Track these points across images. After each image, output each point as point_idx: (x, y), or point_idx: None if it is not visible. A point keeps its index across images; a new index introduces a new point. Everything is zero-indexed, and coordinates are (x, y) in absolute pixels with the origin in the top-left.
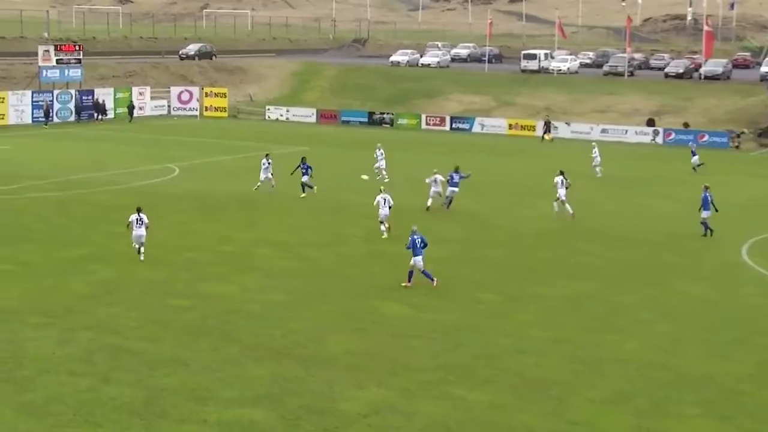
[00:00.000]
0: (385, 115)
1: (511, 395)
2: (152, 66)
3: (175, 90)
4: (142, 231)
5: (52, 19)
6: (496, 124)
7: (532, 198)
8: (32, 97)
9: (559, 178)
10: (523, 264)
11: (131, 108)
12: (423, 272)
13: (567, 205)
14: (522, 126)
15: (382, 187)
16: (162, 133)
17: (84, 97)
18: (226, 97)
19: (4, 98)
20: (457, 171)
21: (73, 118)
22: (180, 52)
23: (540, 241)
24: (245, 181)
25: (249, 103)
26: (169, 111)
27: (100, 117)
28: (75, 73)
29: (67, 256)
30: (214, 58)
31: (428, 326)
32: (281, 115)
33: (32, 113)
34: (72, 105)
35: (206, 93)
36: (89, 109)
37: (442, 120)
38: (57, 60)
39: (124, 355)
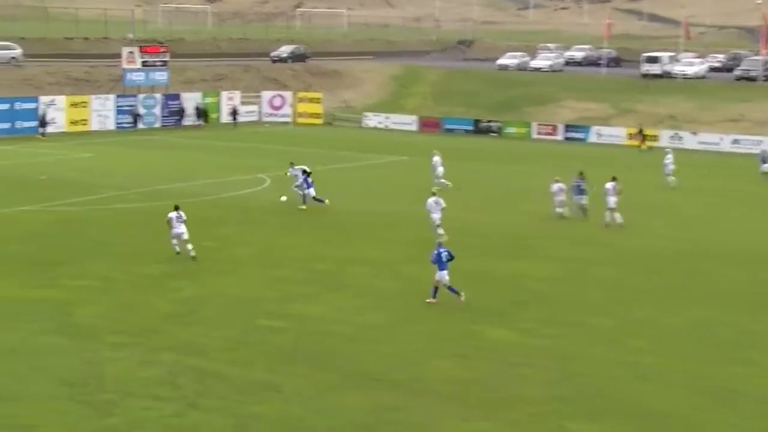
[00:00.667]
0: (491, 124)
1: (628, 430)
2: (242, 69)
3: (266, 95)
4: (183, 228)
5: (137, 18)
6: (614, 134)
7: (649, 215)
8: (116, 102)
9: (610, 185)
10: (638, 286)
11: (234, 113)
12: (449, 288)
13: (616, 214)
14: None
15: (434, 190)
16: (252, 140)
17: (170, 102)
18: (320, 102)
19: (86, 103)
20: (581, 177)
21: (159, 123)
22: (272, 54)
23: (657, 261)
24: (338, 194)
25: (345, 109)
26: (260, 117)
27: (202, 123)
28: (161, 76)
29: (149, 271)
30: (307, 60)
31: (536, 353)
32: (379, 123)
33: (116, 119)
34: (158, 110)
35: (299, 98)
36: (175, 115)
37: (554, 129)
38: (142, 62)
39: (211, 380)
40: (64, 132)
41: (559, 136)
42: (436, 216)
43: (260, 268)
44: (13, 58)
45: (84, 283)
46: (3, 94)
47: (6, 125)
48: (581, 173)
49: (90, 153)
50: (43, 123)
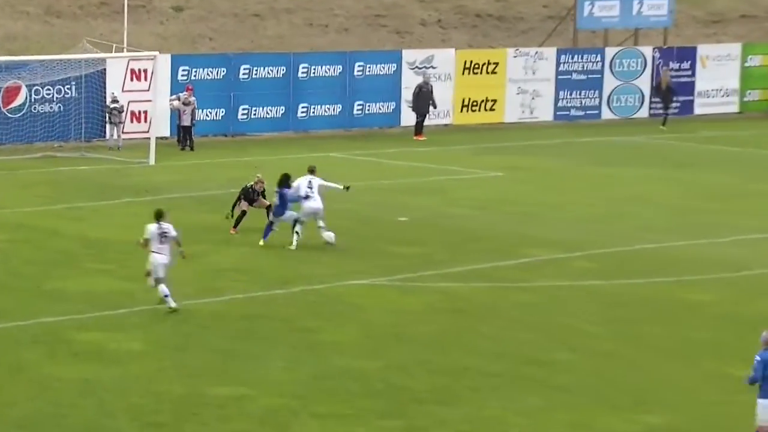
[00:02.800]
0: None
1: None
2: None
3: None
4: (165, 257)
5: None
6: None
7: None
8: (558, 62)
9: None
10: None
11: None
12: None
13: None
14: None
15: None
16: None
17: (675, 64)
18: None
19: (497, 63)
20: None
21: (645, 111)
22: None
23: None
24: None
25: None
26: None
27: None
28: (658, 11)
29: (628, 426)
30: None
31: None
32: None
33: (556, 97)
34: (644, 83)
35: None
36: (688, 92)
37: None
38: None
39: None
40: (448, 125)
41: None
42: None
43: None
44: None
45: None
46: (305, 45)
47: (326, 107)
48: None
49: (498, 170)
50: (421, 106)
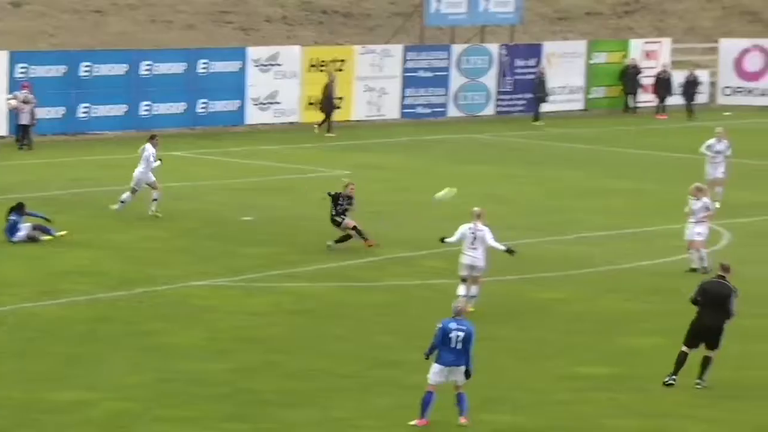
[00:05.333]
0: None
1: None
2: None
3: (729, 47)
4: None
5: None
6: None
7: None
8: (404, 60)
9: None
10: None
11: (692, 85)
12: (458, 398)
13: None
14: None
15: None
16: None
17: (520, 62)
18: None
19: (344, 61)
20: None
21: (491, 108)
22: None
23: None
24: None
25: None
26: (713, 97)
27: None
28: (504, 7)
29: (476, 426)
30: None
31: None
32: None
33: (402, 95)
34: (491, 79)
35: None
36: (530, 89)
37: None
38: None
39: None
40: (294, 123)
41: None
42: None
43: None
44: None
45: None
46: (148, 42)
47: (170, 105)
48: None
49: (347, 168)
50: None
